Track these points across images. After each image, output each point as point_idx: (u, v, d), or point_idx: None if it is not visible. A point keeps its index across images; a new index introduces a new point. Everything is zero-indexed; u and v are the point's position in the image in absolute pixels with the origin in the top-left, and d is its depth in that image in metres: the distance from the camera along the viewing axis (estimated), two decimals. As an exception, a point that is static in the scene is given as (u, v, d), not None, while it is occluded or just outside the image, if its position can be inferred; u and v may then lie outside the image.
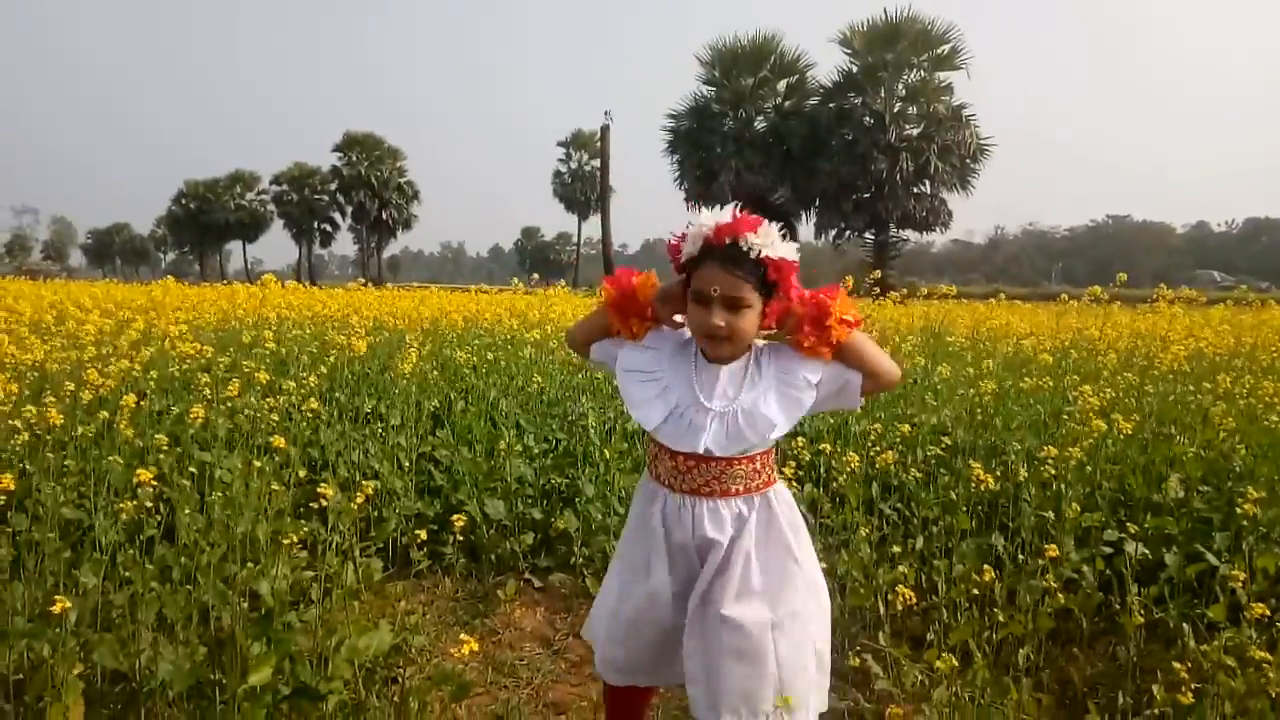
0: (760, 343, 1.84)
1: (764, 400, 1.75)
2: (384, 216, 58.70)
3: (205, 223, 65.39)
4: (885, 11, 33.47)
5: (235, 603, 2.65)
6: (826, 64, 59.45)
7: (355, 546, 3.14)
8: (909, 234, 35.20)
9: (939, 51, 33.44)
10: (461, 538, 3.86)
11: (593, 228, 62.24)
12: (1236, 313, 7.85)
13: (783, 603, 1.78)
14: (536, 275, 12.37)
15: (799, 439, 3.97)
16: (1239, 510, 3.13)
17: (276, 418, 3.89)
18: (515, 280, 8.75)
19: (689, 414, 1.76)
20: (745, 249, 1.68)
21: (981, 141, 33.56)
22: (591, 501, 4.05)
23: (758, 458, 1.81)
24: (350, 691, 2.62)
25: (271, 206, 64.43)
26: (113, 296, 9.14)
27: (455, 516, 3.24)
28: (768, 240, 1.70)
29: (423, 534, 3.18)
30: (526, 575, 3.92)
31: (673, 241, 1.80)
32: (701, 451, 1.74)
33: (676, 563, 1.83)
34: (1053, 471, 3.51)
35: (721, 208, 1.75)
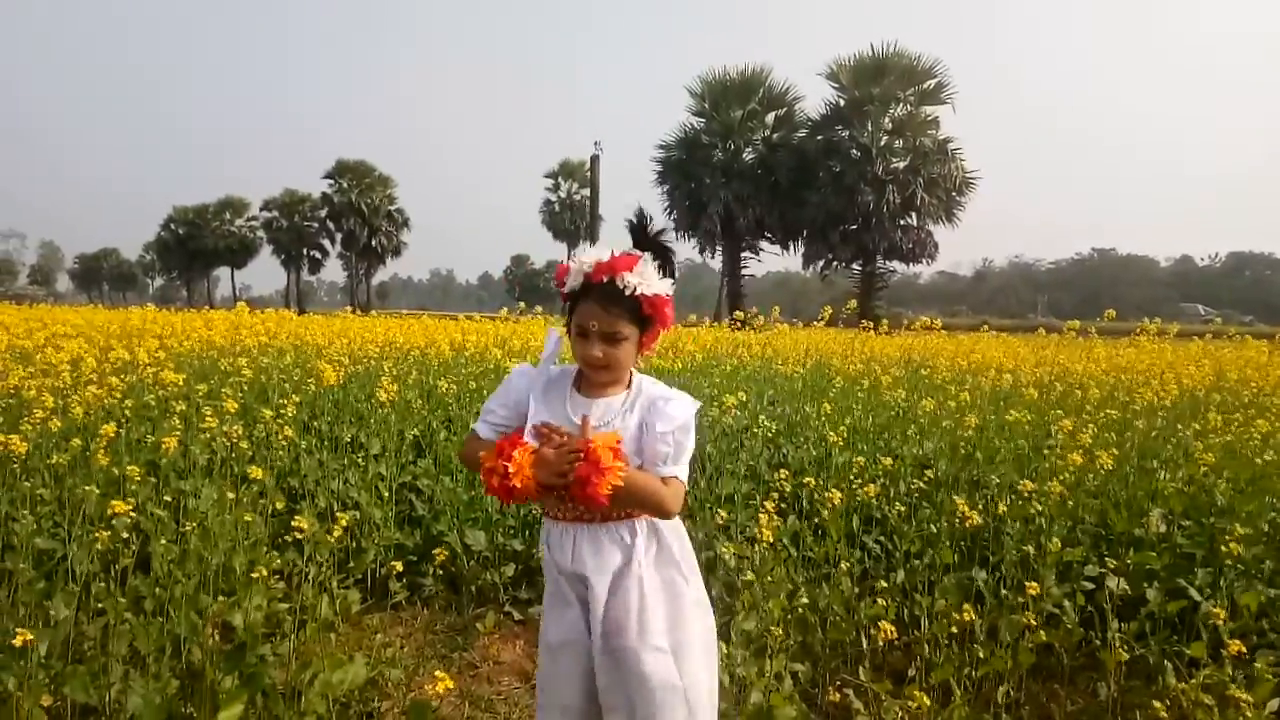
0: (638, 375, 1.90)
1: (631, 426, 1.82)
2: (373, 243, 58.72)
3: (193, 249, 65.23)
4: (872, 46, 34.08)
5: (207, 635, 2.62)
6: (814, 97, 60.12)
7: (332, 578, 3.10)
8: (896, 265, 35.55)
9: (925, 86, 33.93)
10: (441, 570, 3.84)
11: (582, 256, 62.22)
12: (1218, 347, 7.90)
13: (677, 627, 1.84)
14: (524, 304, 12.44)
15: (781, 470, 3.94)
16: (1222, 548, 3.13)
17: (246, 445, 3.85)
18: (505, 310, 8.82)
19: None
20: (621, 287, 1.76)
21: (967, 175, 33.95)
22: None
23: None
24: (323, 727, 2.58)
25: (261, 233, 64.35)
26: (94, 322, 9.09)
27: (436, 550, 3.21)
28: (643, 279, 1.77)
29: (399, 565, 3.15)
30: (507, 607, 3.88)
31: (559, 270, 1.87)
32: None
33: (566, 594, 1.87)
34: (1038, 508, 3.50)
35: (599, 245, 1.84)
